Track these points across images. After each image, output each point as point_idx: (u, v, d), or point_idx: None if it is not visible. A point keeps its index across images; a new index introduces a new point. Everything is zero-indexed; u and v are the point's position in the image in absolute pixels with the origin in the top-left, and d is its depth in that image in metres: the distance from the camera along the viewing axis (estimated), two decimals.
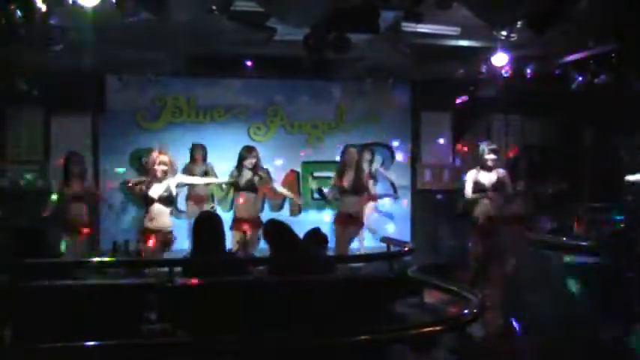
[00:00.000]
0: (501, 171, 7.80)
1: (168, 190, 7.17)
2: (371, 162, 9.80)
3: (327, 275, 5.20)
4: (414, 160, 10.82)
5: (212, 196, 9.63)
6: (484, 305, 3.61)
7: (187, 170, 9.28)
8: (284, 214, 10.02)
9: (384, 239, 7.86)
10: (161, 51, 8.40)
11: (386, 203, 10.37)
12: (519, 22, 6.25)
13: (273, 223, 5.57)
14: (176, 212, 9.40)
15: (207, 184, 9.05)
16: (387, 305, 4.66)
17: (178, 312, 3.94)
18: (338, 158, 8.71)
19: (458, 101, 10.71)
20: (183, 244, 8.62)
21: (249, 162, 7.97)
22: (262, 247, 7.77)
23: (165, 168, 7.17)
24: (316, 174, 10.02)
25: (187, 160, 9.40)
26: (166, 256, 7.15)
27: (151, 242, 7.23)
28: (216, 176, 9.31)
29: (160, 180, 7.16)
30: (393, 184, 10.56)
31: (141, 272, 6.01)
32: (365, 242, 9.04)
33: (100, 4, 5.72)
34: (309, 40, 6.86)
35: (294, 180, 10.31)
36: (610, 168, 9.84)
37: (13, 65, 8.11)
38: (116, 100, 9.80)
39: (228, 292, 4.40)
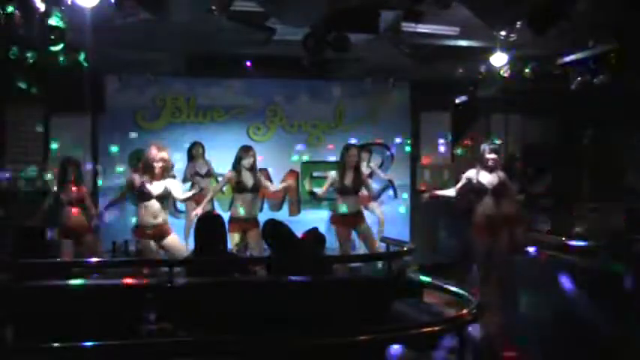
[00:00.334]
0: (502, 173, 7.80)
1: (166, 189, 7.16)
2: (368, 162, 9.82)
3: (327, 275, 5.21)
4: (414, 160, 10.82)
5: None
6: (484, 306, 3.62)
7: (190, 170, 9.29)
8: (283, 214, 10.04)
9: (384, 239, 7.87)
10: (161, 51, 8.40)
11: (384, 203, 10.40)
12: (519, 22, 6.25)
13: (272, 223, 5.56)
14: (175, 212, 9.43)
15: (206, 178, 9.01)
16: (385, 306, 4.66)
17: (178, 312, 3.93)
18: (334, 159, 8.72)
19: (457, 101, 10.72)
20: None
21: (247, 162, 7.95)
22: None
23: (163, 165, 7.15)
24: (315, 174, 10.01)
25: (186, 159, 9.42)
26: (165, 255, 7.14)
27: (147, 238, 7.20)
28: (215, 174, 9.35)
29: (158, 178, 7.13)
30: (392, 184, 10.57)
31: (140, 272, 6.01)
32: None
33: (100, 4, 5.72)
34: (308, 40, 6.87)
35: (293, 180, 10.31)
36: (610, 168, 9.84)
37: (12, 65, 8.10)
38: (116, 100, 9.82)
39: (227, 292, 4.41)
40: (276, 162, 10.25)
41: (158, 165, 7.08)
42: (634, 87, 8.60)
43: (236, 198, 8.11)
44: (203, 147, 9.56)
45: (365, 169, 9.12)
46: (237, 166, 7.96)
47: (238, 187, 7.98)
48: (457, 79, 9.71)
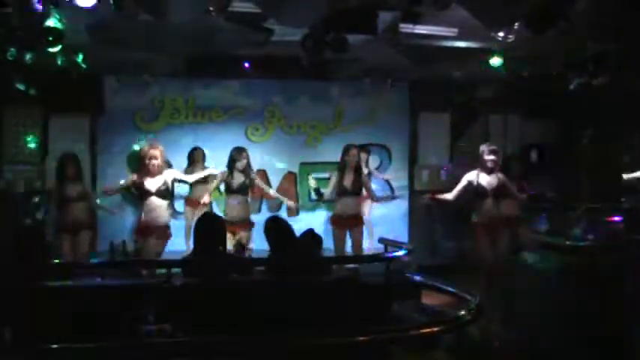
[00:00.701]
0: (501, 174, 7.81)
1: (165, 183, 7.19)
2: (366, 162, 9.81)
3: (325, 276, 5.21)
4: (412, 160, 10.82)
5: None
6: (483, 306, 3.63)
7: (186, 173, 9.26)
8: (281, 216, 10.02)
9: (382, 240, 7.87)
10: (159, 52, 8.39)
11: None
12: (517, 23, 6.26)
13: (273, 220, 5.62)
14: (174, 213, 9.41)
15: (203, 182, 8.95)
16: (385, 306, 4.66)
17: (177, 313, 3.93)
18: (336, 159, 8.67)
19: (456, 102, 10.72)
20: (181, 245, 8.64)
21: (240, 164, 7.96)
22: (255, 249, 7.80)
23: (156, 162, 7.18)
24: (314, 175, 10.00)
25: (185, 164, 9.40)
26: (164, 256, 7.15)
27: (148, 237, 7.22)
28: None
29: (154, 174, 7.17)
30: (390, 185, 10.57)
31: (139, 273, 6.02)
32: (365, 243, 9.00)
33: (98, 5, 5.71)
34: (307, 41, 6.87)
35: (292, 181, 10.31)
36: (608, 168, 9.84)
37: (10, 66, 8.10)
38: (114, 101, 9.79)
39: (226, 293, 4.40)
40: (274, 163, 10.26)
41: (151, 162, 7.13)
42: (633, 87, 8.61)
43: (227, 199, 8.12)
44: (204, 153, 9.46)
45: (364, 170, 9.11)
46: (230, 167, 7.98)
47: (229, 189, 7.99)
48: (455, 79, 9.71)
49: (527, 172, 8.93)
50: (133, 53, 8.19)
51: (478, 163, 7.87)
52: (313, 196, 9.01)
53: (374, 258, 7.04)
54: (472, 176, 7.82)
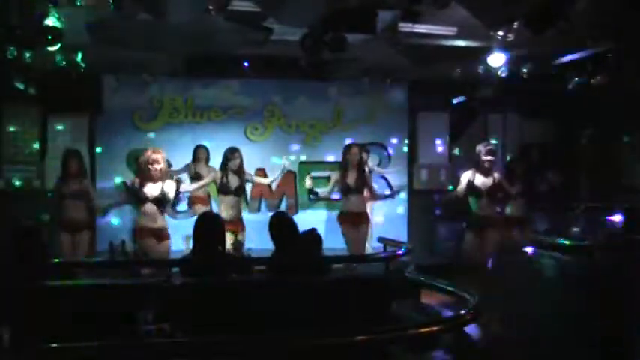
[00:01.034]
0: (497, 175, 7.80)
1: (162, 192, 7.12)
2: (366, 161, 9.80)
3: (325, 275, 5.22)
4: (411, 160, 10.82)
5: (209, 196, 9.58)
6: (481, 306, 3.62)
7: (189, 171, 9.24)
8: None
9: (381, 239, 7.88)
10: (158, 51, 8.38)
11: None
12: (517, 22, 6.26)
13: (277, 215, 5.68)
14: (173, 213, 9.40)
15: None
16: (384, 306, 4.66)
17: (176, 312, 3.93)
18: (333, 159, 8.68)
19: (455, 101, 10.72)
20: (180, 244, 8.62)
21: (232, 164, 7.96)
22: (255, 248, 7.79)
23: (159, 167, 7.11)
24: (313, 174, 9.99)
25: (188, 160, 9.39)
26: (163, 255, 7.14)
27: (145, 239, 7.20)
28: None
29: (155, 180, 7.10)
30: (389, 184, 10.57)
31: (138, 272, 6.01)
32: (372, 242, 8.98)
33: (97, 4, 5.71)
34: (306, 41, 6.86)
35: (291, 180, 10.30)
36: (608, 167, 9.85)
37: (9, 65, 8.09)
38: (113, 101, 9.78)
39: (226, 292, 4.40)
40: (273, 162, 10.25)
41: (152, 167, 7.06)
42: (633, 87, 8.61)
43: (220, 200, 8.11)
44: (207, 151, 9.38)
45: (365, 169, 9.11)
46: (223, 167, 7.97)
47: (222, 189, 7.98)
48: (454, 79, 9.71)
49: (526, 171, 8.91)
50: (132, 52, 8.18)
51: (474, 163, 7.87)
52: (308, 196, 9.02)
53: (373, 257, 7.04)
54: (469, 176, 7.81)
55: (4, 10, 5.89)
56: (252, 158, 9.19)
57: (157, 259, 6.95)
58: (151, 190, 7.10)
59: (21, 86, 8.63)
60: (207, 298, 4.29)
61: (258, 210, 9.99)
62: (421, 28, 7.07)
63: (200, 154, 9.37)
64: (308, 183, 8.55)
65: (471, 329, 3.91)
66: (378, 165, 10.43)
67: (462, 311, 3.52)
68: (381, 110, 10.57)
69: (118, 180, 9.66)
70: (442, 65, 8.85)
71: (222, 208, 7.98)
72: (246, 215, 8.54)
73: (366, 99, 10.47)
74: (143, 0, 5.94)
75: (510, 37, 6.51)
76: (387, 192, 10.46)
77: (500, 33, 6.50)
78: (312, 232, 5.46)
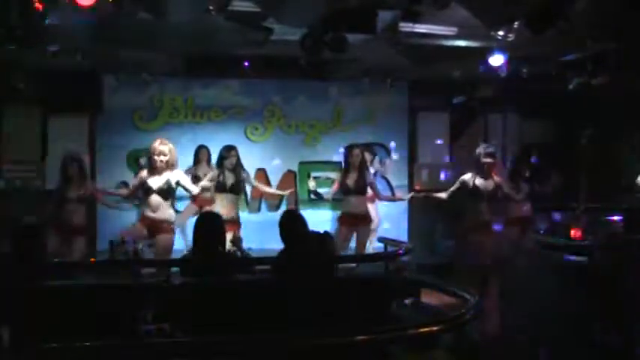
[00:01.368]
0: (498, 178, 7.77)
1: (168, 182, 7.13)
2: (371, 162, 9.82)
3: (326, 276, 5.21)
4: (411, 160, 10.82)
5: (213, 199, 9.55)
6: (482, 306, 3.62)
7: (191, 172, 9.20)
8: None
9: (382, 239, 7.87)
10: (158, 51, 8.39)
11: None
12: (517, 22, 6.26)
13: (287, 213, 5.69)
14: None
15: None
16: (384, 305, 4.66)
17: (176, 312, 3.93)
18: (334, 158, 8.68)
19: (455, 101, 10.72)
20: (180, 244, 8.62)
21: (229, 162, 7.95)
22: (255, 248, 7.78)
23: (164, 158, 7.10)
24: (313, 174, 9.99)
25: (187, 160, 9.37)
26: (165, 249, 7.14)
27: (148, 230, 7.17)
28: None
29: (160, 171, 7.11)
30: (389, 184, 10.56)
31: (138, 272, 6.01)
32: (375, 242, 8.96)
33: (97, 4, 5.71)
34: (306, 41, 6.86)
35: (291, 180, 10.30)
36: (608, 168, 9.85)
37: (10, 65, 8.09)
38: (113, 101, 9.78)
39: (226, 292, 4.40)
40: (274, 162, 10.25)
41: (158, 158, 7.08)
42: (633, 87, 8.61)
43: (216, 198, 8.09)
44: (209, 152, 9.29)
45: (370, 170, 9.10)
46: (219, 165, 7.97)
47: (219, 187, 7.97)
48: (454, 79, 9.71)
49: (526, 171, 8.89)
50: (132, 52, 8.18)
51: (474, 165, 7.85)
52: (310, 197, 9.02)
53: (373, 257, 7.04)
54: (467, 178, 7.77)
55: (4, 10, 5.88)
56: (252, 158, 9.19)
57: (157, 259, 6.95)
58: (156, 181, 7.11)
59: (21, 86, 8.62)
60: (207, 298, 4.29)
61: (258, 210, 9.99)
62: (421, 28, 7.06)
63: (202, 154, 9.36)
64: (311, 185, 8.56)
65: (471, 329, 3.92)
66: (379, 165, 10.44)
67: (462, 311, 3.52)
68: (381, 110, 10.57)
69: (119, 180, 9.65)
70: (442, 65, 8.85)
71: (218, 206, 7.97)
72: (246, 215, 8.55)
73: (366, 99, 10.46)
74: (143, 0, 5.94)
75: (510, 37, 6.52)
76: (399, 196, 10.24)
77: (501, 33, 6.50)
78: (327, 237, 5.42)
